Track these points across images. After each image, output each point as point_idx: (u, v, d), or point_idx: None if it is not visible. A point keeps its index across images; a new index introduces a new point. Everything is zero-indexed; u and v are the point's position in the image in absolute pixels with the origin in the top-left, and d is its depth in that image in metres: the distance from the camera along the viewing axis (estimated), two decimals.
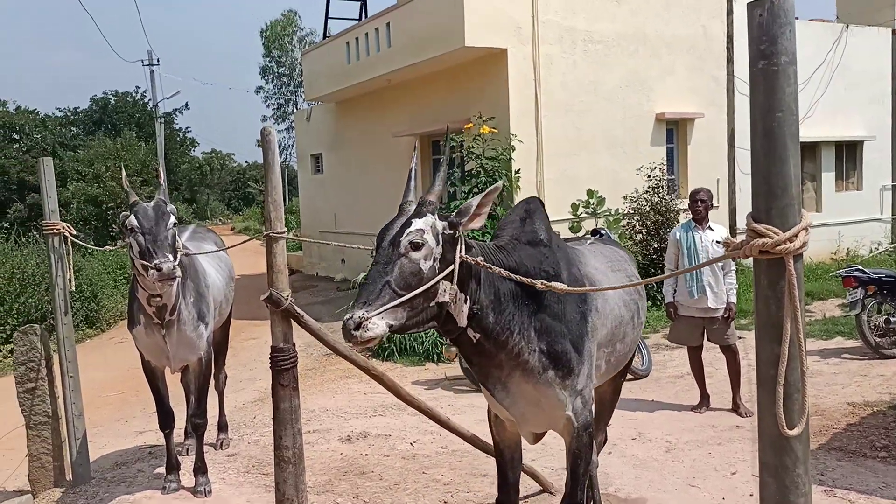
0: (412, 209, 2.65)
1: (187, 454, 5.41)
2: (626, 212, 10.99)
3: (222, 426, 5.78)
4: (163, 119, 31.64)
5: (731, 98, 12.58)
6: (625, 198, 11.02)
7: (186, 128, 50.39)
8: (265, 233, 3.56)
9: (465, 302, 2.67)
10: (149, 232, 3.99)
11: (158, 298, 4.16)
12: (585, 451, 3.03)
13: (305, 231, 17.98)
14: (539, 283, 2.56)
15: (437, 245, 2.58)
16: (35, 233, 13.23)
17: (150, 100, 37.28)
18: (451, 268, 2.61)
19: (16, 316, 10.63)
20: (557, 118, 11.07)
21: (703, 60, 12.31)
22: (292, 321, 3.61)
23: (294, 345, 3.62)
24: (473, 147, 10.31)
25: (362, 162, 14.92)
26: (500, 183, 2.77)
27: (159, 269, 3.84)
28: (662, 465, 5.10)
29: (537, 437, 3.29)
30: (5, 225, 34.09)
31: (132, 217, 4.07)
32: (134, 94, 40.06)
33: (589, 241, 3.97)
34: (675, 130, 12.44)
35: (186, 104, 46.31)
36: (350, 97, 14.97)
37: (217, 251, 5.30)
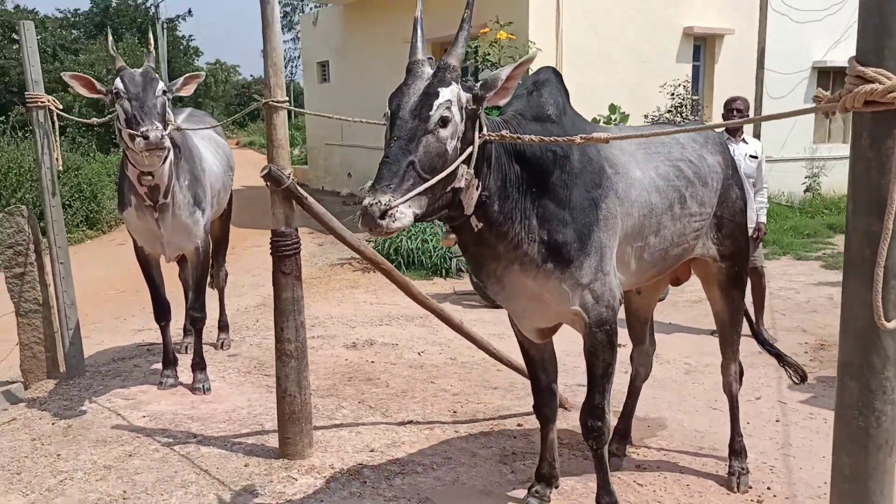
0: (427, 71, 2.28)
1: (186, 352, 5.19)
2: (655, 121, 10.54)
3: (223, 326, 5.54)
4: (165, 24, 30.61)
5: (763, 14, 11.87)
6: (646, 116, 10.53)
7: (190, 36, 49.00)
8: (263, 101, 3.20)
9: (477, 188, 2.37)
10: (135, 97, 3.65)
11: (150, 177, 3.82)
12: (603, 350, 2.75)
13: (312, 143, 17.49)
14: (578, 139, 2.20)
15: (461, 122, 2.24)
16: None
17: (152, 3, 36.15)
18: (471, 149, 2.28)
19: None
20: (579, 27, 10.47)
21: None
22: (294, 203, 3.29)
23: (297, 229, 3.31)
24: (489, 54, 9.76)
25: (371, 69, 14.30)
26: (533, 52, 2.38)
27: (146, 138, 3.51)
28: (682, 387, 4.87)
29: (543, 335, 3.00)
30: (4, 126, 33.68)
31: (118, 81, 3.74)
32: None
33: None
34: (702, 47, 11.83)
35: (189, 10, 44.95)
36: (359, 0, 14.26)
37: (212, 128, 4.91)
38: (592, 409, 2.83)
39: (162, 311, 4.47)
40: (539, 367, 3.13)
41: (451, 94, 2.21)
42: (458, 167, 2.23)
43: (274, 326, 3.36)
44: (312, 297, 7.53)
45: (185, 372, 4.71)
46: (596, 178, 2.70)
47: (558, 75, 2.81)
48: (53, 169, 4.58)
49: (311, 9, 20.12)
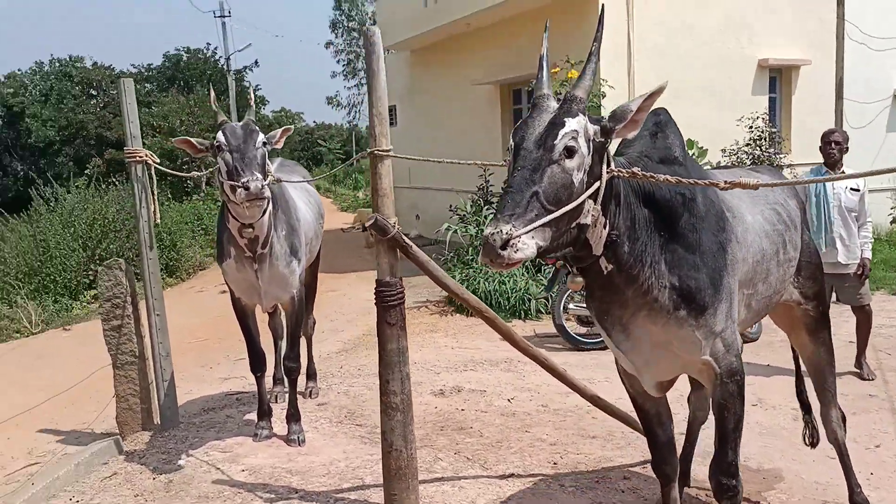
0: (552, 105, 2.21)
1: (276, 401, 5.17)
2: (726, 165, 10.26)
3: (311, 374, 5.52)
4: (234, 74, 31.74)
5: (840, 44, 11.53)
6: (723, 150, 10.28)
7: (256, 85, 50.70)
8: (369, 150, 3.17)
9: (605, 226, 2.27)
10: (237, 149, 3.71)
11: (250, 229, 3.85)
12: (733, 402, 2.60)
13: None
14: (722, 183, 2.10)
15: (588, 154, 2.16)
16: (116, 181, 13.27)
17: (220, 56, 37.49)
18: (598, 184, 2.19)
19: (98, 261, 10.66)
20: (651, 63, 10.34)
21: (809, 1, 11.32)
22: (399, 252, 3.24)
23: (401, 279, 3.25)
24: (559, 94, 9.70)
25: (438, 113, 14.43)
26: (663, 83, 2.30)
27: (247, 188, 3.54)
28: (792, 434, 4.57)
29: (663, 388, 2.84)
30: (84, 179, 35.25)
31: (219, 134, 3.81)
32: (205, 51, 40.34)
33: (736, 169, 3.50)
34: (778, 78, 11.54)
35: (256, 62, 46.53)
36: (426, 44, 14.44)
37: (305, 182, 4.97)
38: (726, 466, 2.65)
39: (257, 362, 4.46)
40: (655, 421, 2.97)
41: (577, 125, 2.13)
42: (584, 201, 2.14)
43: (379, 378, 3.28)
44: None
45: (277, 422, 4.67)
46: (720, 222, 2.60)
47: (671, 117, 2.72)
48: (150, 222, 4.65)
49: None
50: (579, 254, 2.29)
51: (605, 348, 6.92)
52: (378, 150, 3.13)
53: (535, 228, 2.00)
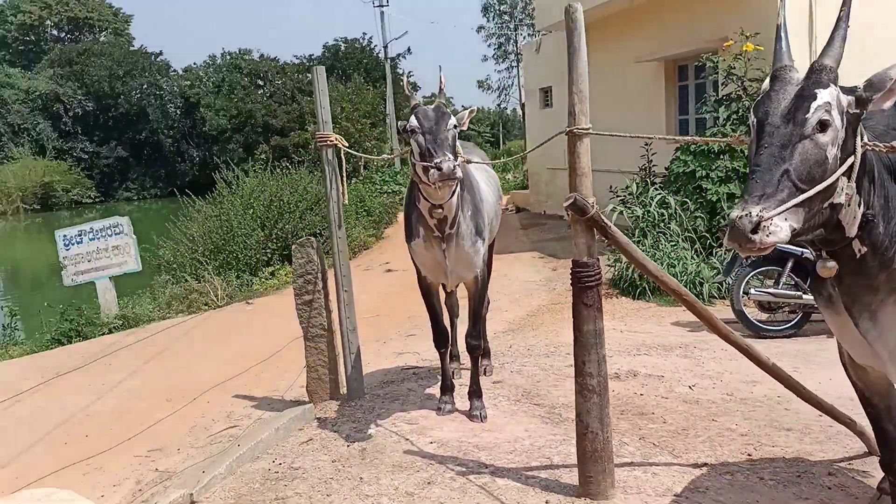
0: (796, 76, 2.07)
1: (453, 377, 5.28)
2: None
3: (485, 352, 5.58)
4: (390, 61, 32.65)
5: None
6: None
7: (409, 72, 51.97)
8: (567, 128, 3.12)
9: (860, 206, 2.08)
10: (429, 131, 3.81)
11: (440, 210, 3.94)
12: None
13: (533, 168, 17.56)
14: None
15: (841, 127, 1.99)
16: (288, 164, 14.03)
17: (376, 45, 38.67)
18: (852, 159, 2.02)
19: (275, 241, 11.38)
20: None
21: None
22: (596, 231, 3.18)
23: (598, 259, 3.19)
24: (734, 68, 9.17)
25: (598, 92, 14.01)
26: None
27: (440, 169, 3.62)
28: None
29: None
30: (252, 164, 37.66)
31: (412, 117, 3.93)
32: (361, 41, 41.80)
33: None
34: None
35: (409, 49, 47.55)
36: (586, 23, 14.05)
37: (486, 163, 5.03)
38: None
39: (442, 339, 4.57)
40: (885, 417, 2.74)
41: (829, 97, 1.99)
42: (838, 178, 1.99)
43: (574, 360, 3.25)
44: (559, 323, 7.44)
45: (458, 398, 4.76)
46: None
47: None
48: (340, 203, 4.86)
49: (524, 39, 20.34)
50: (830, 237, 2.13)
51: (788, 336, 6.51)
52: (577, 129, 3.07)
53: (788, 209, 1.88)
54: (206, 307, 9.60)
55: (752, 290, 6.51)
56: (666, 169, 9.76)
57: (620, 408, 4.76)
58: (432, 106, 3.98)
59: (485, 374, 5.48)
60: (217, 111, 41.86)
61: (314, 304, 4.97)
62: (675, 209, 8.56)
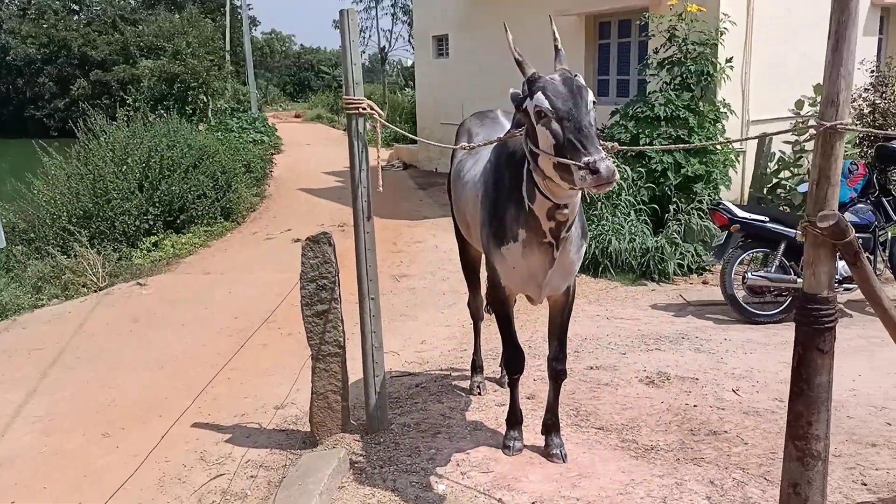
0: None
1: (479, 393, 4.53)
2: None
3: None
4: None
5: None
6: None
7: (248, 5, 48.00)
8: (826, 123, 2.38)
9: None
10: (567, 116, 2.74)
11: (565, 210, 3.02)
12: None
13: (423, 123, 16.56)
14: None
15: None
16: (109, 103, 11.97)
17: None
18: None
19: (157, 205, 9.68)
20: None
21: None
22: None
23: (836, 294, 2.51)
24: (676, 30, 8.79)
25: (504, 45, 13.27)
26: None
27: (596, 171, 2.59)
28: None
29: None
30: (66, 102, 33.10)
31: (540, 96, 2.83)
32: None
33: None
34: (886, 18, 10.70)
35: None
36: None
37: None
38: None
39: (517, 360, 3.68)
40: None
41: None
42: None
43: (792, 419, 2.59)
44: (527, 305, 6.77)
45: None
46: None
47: None
48: (370, 188, 3.80)
49: None
50: None
51: (779, 321, 6.30)
52: (841, 125, 2.33)
53: None
54: (86, 289, 7.92)
55: (750, 275, 6.20)
56: (602, 132, 9.28)
57: (686, 426, 4.21)
58: (561, 77, 2.92)
59: (501, 385, 4.73)
60: (24, 38, 36.42)
61: (329, 315, 3.92)
62: (631, 177, 8.10)
